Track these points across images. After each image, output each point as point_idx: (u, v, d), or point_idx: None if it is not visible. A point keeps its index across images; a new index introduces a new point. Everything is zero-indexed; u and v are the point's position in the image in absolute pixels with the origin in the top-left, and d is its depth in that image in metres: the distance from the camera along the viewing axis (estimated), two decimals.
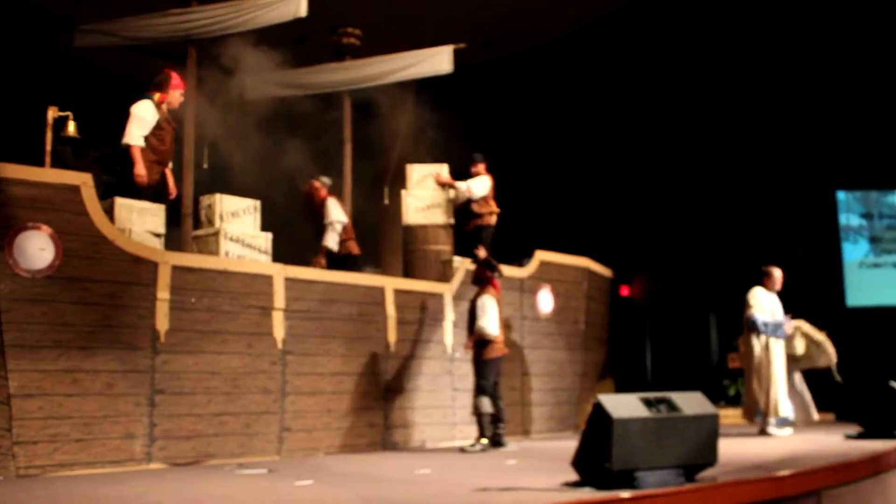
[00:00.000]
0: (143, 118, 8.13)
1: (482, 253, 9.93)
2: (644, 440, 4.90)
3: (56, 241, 6.64)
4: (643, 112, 15.65)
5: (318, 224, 9.74)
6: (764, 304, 9.70)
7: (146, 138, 8.13)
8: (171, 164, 8.55)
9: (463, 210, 10.66)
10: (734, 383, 13.76)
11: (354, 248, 9.86)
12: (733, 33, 14.85)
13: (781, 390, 9.49)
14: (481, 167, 10.57)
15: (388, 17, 12.13)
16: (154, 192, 8.20)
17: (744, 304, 9.75)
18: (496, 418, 8.55)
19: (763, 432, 9.40)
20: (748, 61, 14.97)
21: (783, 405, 9.47)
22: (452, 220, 10.53)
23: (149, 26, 9.44)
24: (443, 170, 10.63)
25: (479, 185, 10.45)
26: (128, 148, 8.06)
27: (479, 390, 8.51)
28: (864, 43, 14.40)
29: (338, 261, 9.57)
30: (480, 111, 14.47)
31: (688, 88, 15.37)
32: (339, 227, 9.66)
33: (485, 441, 8.43)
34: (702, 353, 15.57)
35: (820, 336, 10.18)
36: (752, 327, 9.63)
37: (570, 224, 14.95)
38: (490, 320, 8.57)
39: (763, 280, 9.88)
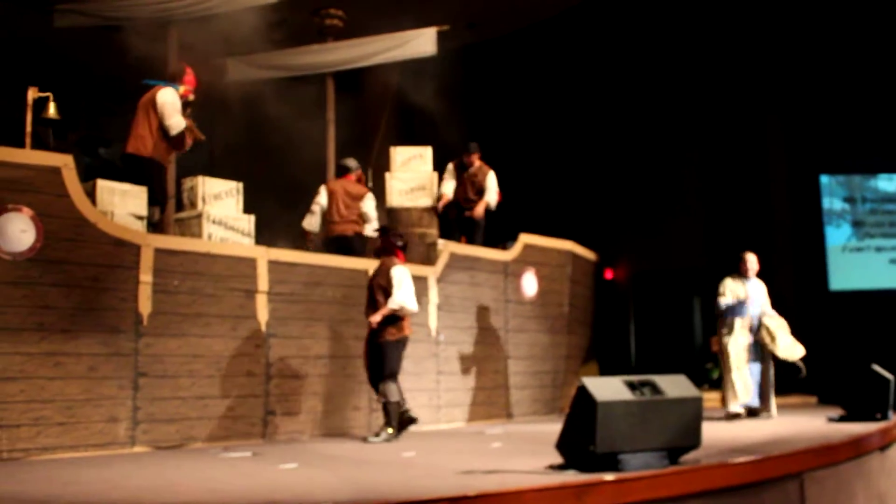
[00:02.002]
0: (176, 104, 8.20)
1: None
2: (628, 423, 4.92)
3: (37, 224, 6.57)
4: (628, 95, 15.62)
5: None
6: (735, 291, 9.68)
7: (161, 127, 8.15)
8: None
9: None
10: (717, 366, 13.80)
11: (344, 229, 9.65)
12: (718, 16, 14.84)
13: (748, 375, 9.48)
14: (476, 158, 10.54)
15: None
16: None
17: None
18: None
19: (751, 414, 9.46)
20: (733, 43, 14.96)
21: (741, 392, 9.45)
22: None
23: (130, 7, 9.38)
24: (426, 153, 10.61)
25: (494, 189, 10.53)
26: (182, 133, 8.19)
27: (388, 375, 7.68)
28: (849, 28, 14.43)
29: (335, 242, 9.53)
30: (466, 94, 14.43)
31: (672, 71, 15.36)
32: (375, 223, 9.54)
33: (391, 431, 7.58)
34: (685, 336, 15.61)
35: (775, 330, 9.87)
36: (719, 314, 9.70)
37: (555, 207, 14.94)
38: (410, 293, 7.70)
39: (739, 266, 9.89)
